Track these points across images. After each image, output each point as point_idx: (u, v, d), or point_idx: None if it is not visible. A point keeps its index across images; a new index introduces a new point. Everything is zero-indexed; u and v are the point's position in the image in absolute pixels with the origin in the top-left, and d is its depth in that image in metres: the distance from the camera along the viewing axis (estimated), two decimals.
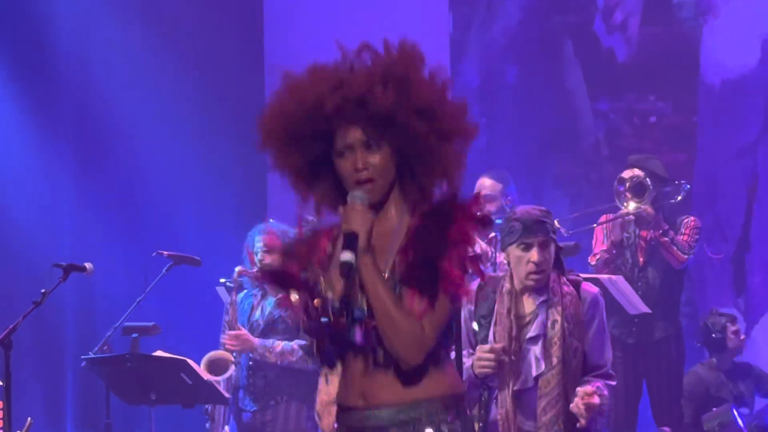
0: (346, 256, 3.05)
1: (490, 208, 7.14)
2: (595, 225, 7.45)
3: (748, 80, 8.88)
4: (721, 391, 7.66)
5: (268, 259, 6.74)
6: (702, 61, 9.00)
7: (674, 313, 7.38)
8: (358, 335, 3.11)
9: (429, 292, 3.07)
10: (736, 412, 7.35)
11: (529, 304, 4.74)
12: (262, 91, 9.09)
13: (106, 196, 8.36)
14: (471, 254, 3.10)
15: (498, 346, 4.65)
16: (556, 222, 7.26)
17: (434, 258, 3.06)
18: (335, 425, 3.25)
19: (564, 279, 4.76)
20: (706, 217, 8.64)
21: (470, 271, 3.11)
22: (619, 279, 7.08)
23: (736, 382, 7.73)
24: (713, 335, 7.67)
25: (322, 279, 3.18)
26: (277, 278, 3.28)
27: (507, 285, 4.76)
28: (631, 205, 7.27)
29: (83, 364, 6.56)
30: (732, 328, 7.71)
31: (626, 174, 7.34)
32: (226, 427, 6.81)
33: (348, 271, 3.05)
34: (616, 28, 9.20)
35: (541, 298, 4.70)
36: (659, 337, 7.27)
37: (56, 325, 8.03)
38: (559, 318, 4.65)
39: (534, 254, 4.67)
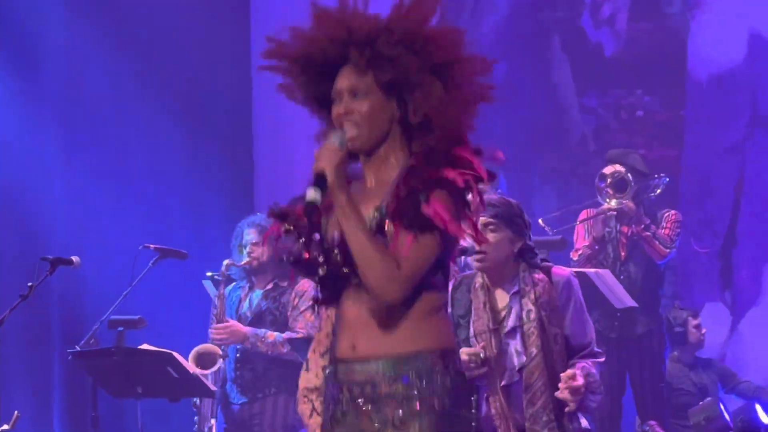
0: (310, 194, 3.02)
1: None
2: (577, 222, 7.46)
3: (736, 75, 8.89)
4: (683, 383, 7.69)
5: (257, 252, 6.74)
6: (690, 56, 9.01)
7: (655, 308, 7.41)
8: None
9: (413, 227, 3.01)
10: (722, 407, 7.36)
11: (502, 298, 4.72)
12: (248, 87, 9.09)
13: (94, 190, 8.35)
14: (463, 195, 3.04)
15: (477, 349, 4.64)
16: (540, 221, 7.31)
17: (422, 192, 3.00)
18: (313, 414, 3.19)
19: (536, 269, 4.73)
20: (694, 212, 8.65)
21: (460, 211, 3.04)
22: (606, 273, 7.09)
23: (698, 374, 7.76)
24: (675, 329, 7.70)
25: (323, 221, 3.16)
26: (281, 214, 3.21)
27: (479, 280, 4.75)
28: (613, 201, 7.29)
29: (69, 357, 6.56)
30: (693, 322, 7.74)
31: (608, 170, 7.36)
32: (213, 420, 6.80)
33: (310, 210, 3.03)
34: (603, 23, 9.20)
35: (513, 290, 4.69)
36: (641, 331, 7.28)
37: (43, 318, 8.01)
38: (533, 307, 4.62)
39: None
